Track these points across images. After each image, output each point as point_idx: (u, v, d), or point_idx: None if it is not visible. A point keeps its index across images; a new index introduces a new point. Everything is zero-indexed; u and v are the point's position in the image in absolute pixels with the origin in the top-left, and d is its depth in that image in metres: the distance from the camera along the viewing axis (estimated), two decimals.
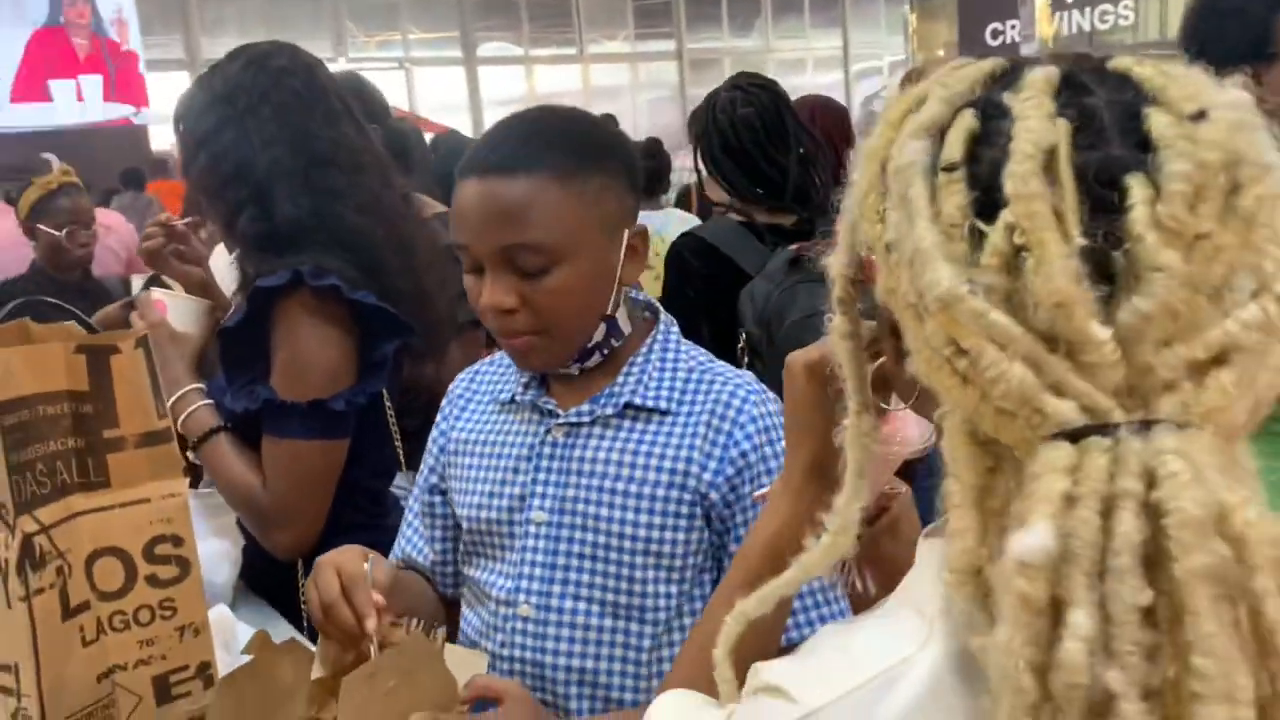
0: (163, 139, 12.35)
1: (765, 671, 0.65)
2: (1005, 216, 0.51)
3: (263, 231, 1.52)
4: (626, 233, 1.13)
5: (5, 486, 0.97)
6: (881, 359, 0.68)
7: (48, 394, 1.02)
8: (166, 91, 13.30)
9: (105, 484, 1.06)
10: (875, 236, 0.58)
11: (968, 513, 0.52)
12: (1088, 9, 8.95)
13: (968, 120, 0.55)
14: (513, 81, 16.68)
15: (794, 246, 1.95)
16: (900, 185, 0.55)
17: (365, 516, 1.65)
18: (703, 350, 1.23)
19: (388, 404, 1.64)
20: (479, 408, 1.29)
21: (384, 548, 1.59)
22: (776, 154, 2.14)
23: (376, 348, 1.55)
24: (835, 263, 0.66)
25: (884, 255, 0.57)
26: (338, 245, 1.52)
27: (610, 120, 3.41)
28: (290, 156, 1.52)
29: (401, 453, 1.71)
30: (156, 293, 1.73)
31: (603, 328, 1.15)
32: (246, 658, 1.08)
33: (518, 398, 1.22)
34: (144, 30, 12.68)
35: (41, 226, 3.02)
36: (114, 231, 3.46)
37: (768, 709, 0.63)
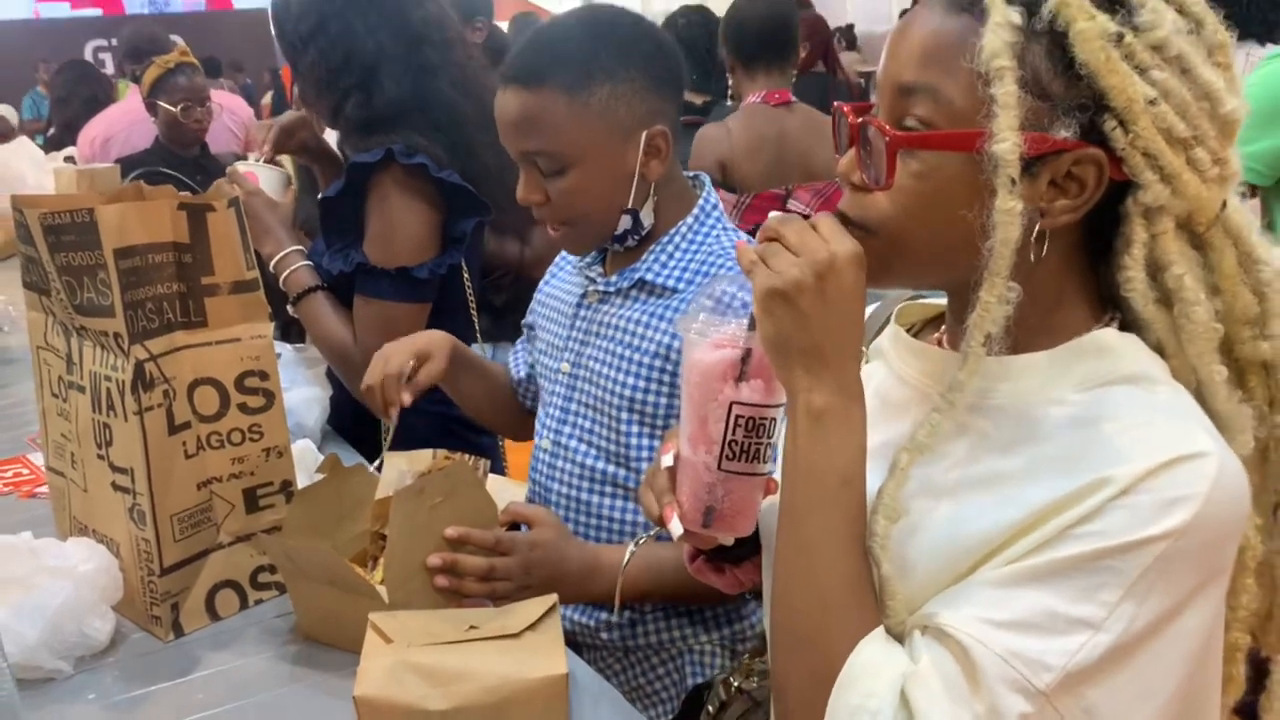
0: None
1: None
2: None
3: (365, 116, 1.67)
4: (645, 134, 1.24)
5: (121, 319, 1.16)
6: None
7: (156, 244, 1.19)
8: None
9: (203, 323, 1.24)
10: (1130, 96, 0.69)
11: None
12: None
13: None
14: None
15: None
16: (1170, 47, 0.70)
17: None
18: (735, 233, 1.34)
19: (465, 277, 1.80)
20: (567, 268, 1.46)
21: (453, 408, 1.78)
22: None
23: (458, 223, 1.70)
24: (1006, 146, 0.68)
25: (1143, 109, 0.69)
26: (431, 125, 1.66)
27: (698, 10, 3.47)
28: (391, 39, 1.66)
29: (478, 324, 1.88)
30: (244, 165, 1.90)
31: (627, 219, 1.28)
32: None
33: (582, 265, 1.39)
34: None
35: (161, 103, 3.23)
36: (230, 111, 3.66)
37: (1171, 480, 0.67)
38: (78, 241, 1.16)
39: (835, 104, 0.81)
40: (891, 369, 0.87)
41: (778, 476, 0.80)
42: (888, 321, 0.91)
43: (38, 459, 1.86)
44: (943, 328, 0.86)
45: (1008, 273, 0.70)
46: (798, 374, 0.76)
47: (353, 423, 1.85)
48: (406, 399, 1.34)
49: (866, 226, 0.76)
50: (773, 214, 0.80)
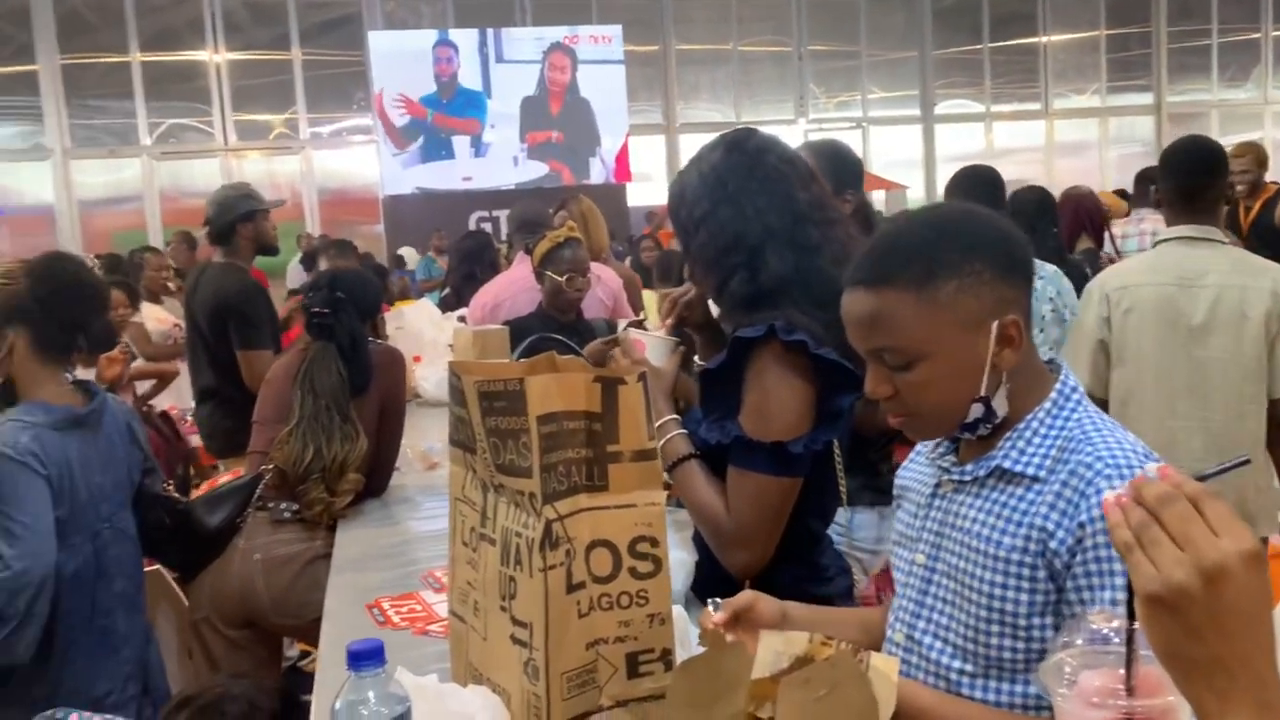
0: (636, 197, 13.68)
1: None
2: None
3: (750, 292, 1.74)
4: (996, 324, 1.21)
5: (538, 480, 1.24)
6: None
7: (570, 412, 1.28)
8: (646, 152, 14.75)
9: (605, 488, 1.30)
10: None
11: None
12: None
13: None
14: (970, 138, 16.43)
15: None
16: None
17: (800, 551, 1.80)
18: (1097, 415, 1.26)
19: (837, 453, 1.79)
20: (919, 458, 1.42)
21: (812, 584, 1.76)
22: None
23: (834, 400, 1.71)
24: None
25: None
26: (812, 301, 1.71)
27: (1036, 192, 3.46)
28: (777, 220, 1.74)
29: (845, 490, 1.86)
30: (634, 333, 2.02)
31: (979, 408, 1.25)
32: (696, 651, 1.26)
33: (935, 455, 1.36)
34: (628, 97, 14.08)
35: (548, 272, 3.55)
36: (603, 281, 3.96)
37: None
38: (507, 408, 1.27)
39: None
40: None
41: None
42: None
43: (429, 596, 2.02)
44: None
45: None
46: (1202, 694, 0.66)
47: (712, 586, 1.86)
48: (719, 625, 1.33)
49: None
50: (1149, 467, 0.72)
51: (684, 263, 2.14)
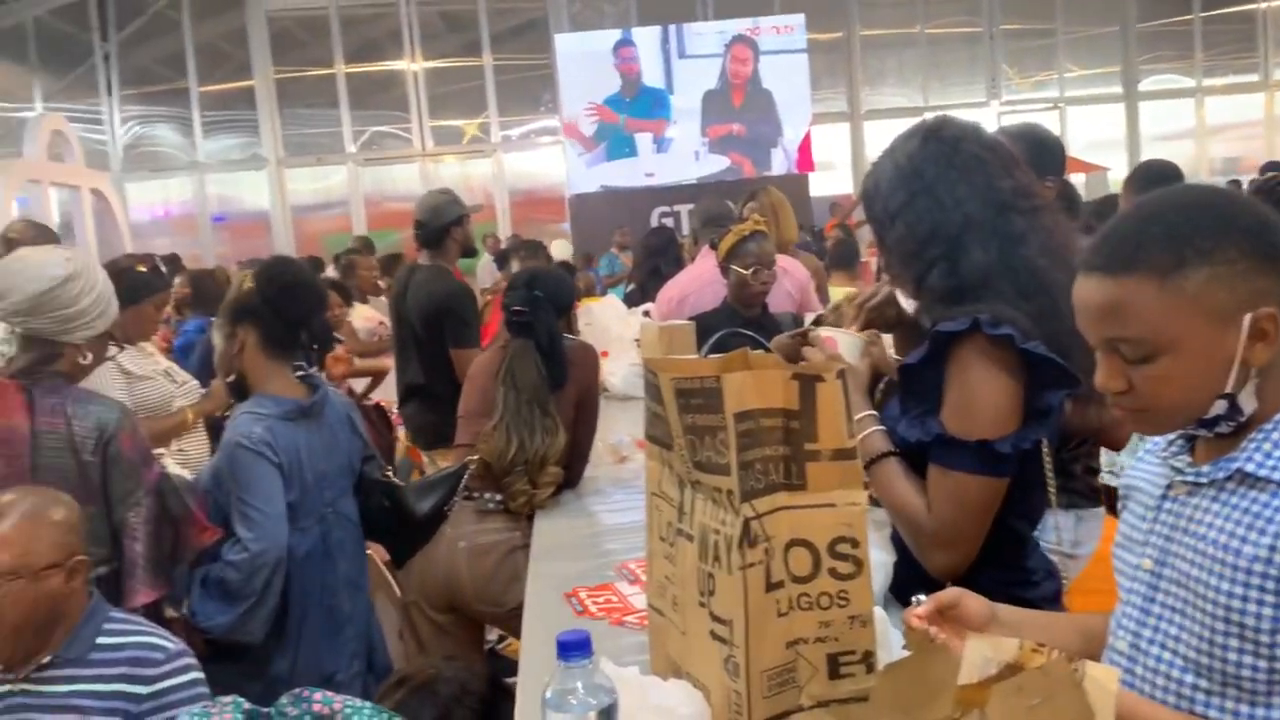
0: (819, 187, 13.52)
1: None
2: None
3: (950, 285, 1.69)
4: (1249, 316, 1.11)
5: (735, 478, 1.25)
6: None
7: (767, 409, 1.28)
8: (829, 141, 14.54)
9: (803, 487, 1.30)
10: None
11: None
12: None
13: None
14: (1178, 115, 15.41)
15: None
16: None
17: (1005, 554, 1.74)
18: None
19: (1045, 451, 1.72)
20: (1153, 454, 1.34)
21: (1017, 588, 1.70)
22: None
23: (1043, 396, 1.64)
24: None
25: None
26: (1018, 293, 1.64)
27: None
28: (979, 209, 1.68)
29: (1054, 492, 1.78)
30: (826, 330, 1.99)
31: (1222, 404, 1.15)
32: (898, 653, 1.24)
33: (1166, 454, 1.27)
34: (811, 86, 13.91)
35: (734, 266, 3.54)
36: (790, 274, 3.93)
37: None
38: (704, 405, 1.28)
39: None
40: None
41: None
42: None
43: (623, 588, 2.06)
44: None
45: None
46: None
47: (911, 587, 1.82)
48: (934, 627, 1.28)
49: None
50: None
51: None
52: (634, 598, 1.99)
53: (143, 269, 3.89)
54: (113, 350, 2.49)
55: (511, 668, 3.09)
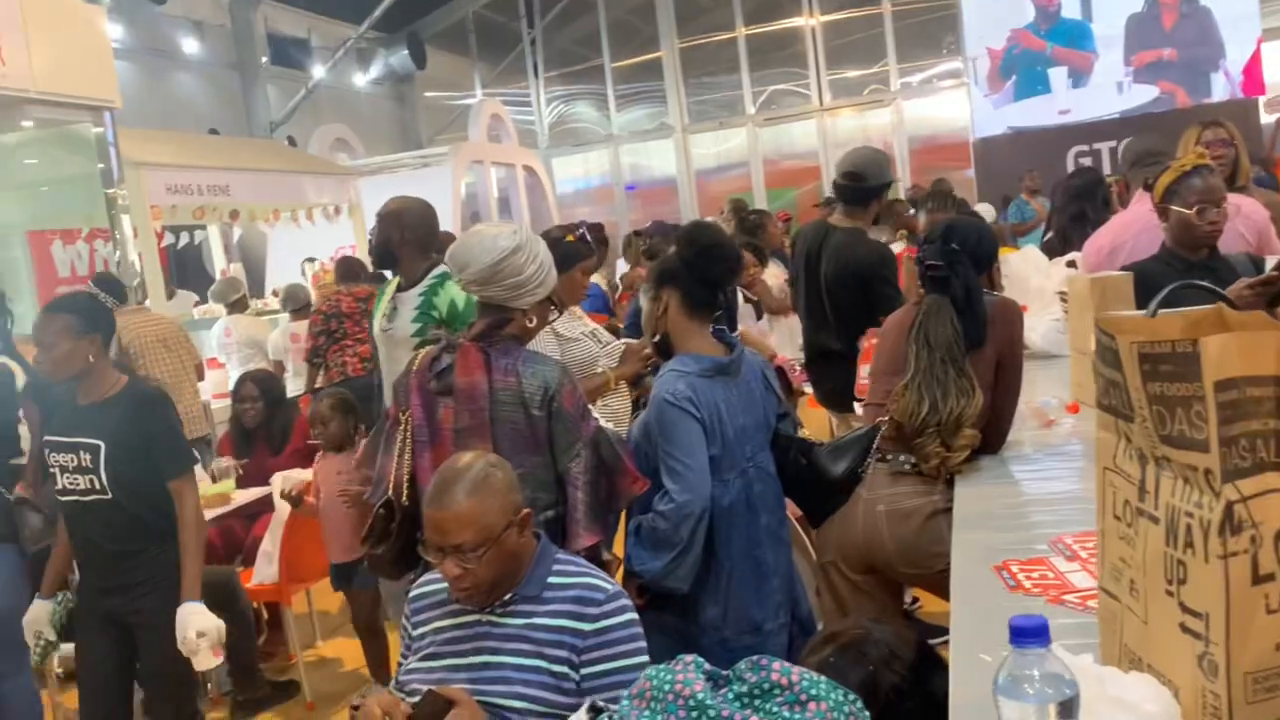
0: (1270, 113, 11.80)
1: None
2: None
3: None
4: None
5: (1215, 455, 1.10)
6: None
7: (1256, 377, 1.11)
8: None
9: None
10: None
11: None
12: None
13: None
14: None
15: None
16: None
17: None
18: None
19: None
20: None
21: None
22: None
23: None
24: None
25: None
26: None
27: None
28: None
29: None
30: None
31: None
32: None
33: None
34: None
35: (1173, 207, 3.16)
36: (1243, 213, 3.45)
37: None
38: (1174, 372, 1.14)
39: None
40: None
41: None
42: None
43: (1060, 564, 1.92)
44: None
45: None
46: None
47: None
48: None
49: None
50: None
51: None
52: (1073, 575, 1.84)
53: (571, 239, 4.20)
54: (553, 314, 2.70)
55: (927, 631, 3.03)
